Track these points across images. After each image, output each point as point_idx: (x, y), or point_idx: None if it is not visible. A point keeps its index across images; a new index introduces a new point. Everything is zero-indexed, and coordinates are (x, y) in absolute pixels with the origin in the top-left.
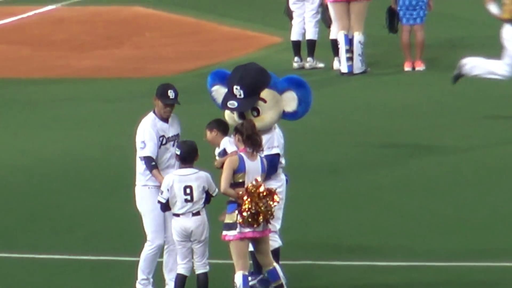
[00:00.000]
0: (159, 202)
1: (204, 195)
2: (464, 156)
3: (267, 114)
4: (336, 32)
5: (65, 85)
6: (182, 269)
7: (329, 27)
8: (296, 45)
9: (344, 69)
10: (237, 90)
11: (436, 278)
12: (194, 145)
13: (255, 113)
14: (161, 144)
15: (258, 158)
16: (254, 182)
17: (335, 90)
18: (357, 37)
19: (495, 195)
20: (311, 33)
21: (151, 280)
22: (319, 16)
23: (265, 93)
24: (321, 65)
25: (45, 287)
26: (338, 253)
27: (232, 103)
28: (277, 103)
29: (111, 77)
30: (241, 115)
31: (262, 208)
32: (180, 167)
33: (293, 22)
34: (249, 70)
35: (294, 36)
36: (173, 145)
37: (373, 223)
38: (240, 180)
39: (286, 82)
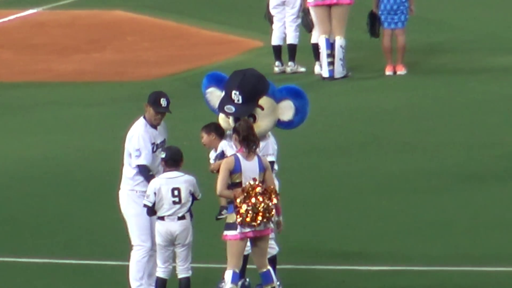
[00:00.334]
0: (145, 206)
1: (190, 198)
2: (445, 161)
3: (263, 121)
4: (317, 36)
5: (47, 89)
6: (162, 272)
7: (310, 31)
8: (277, 49)
9: (325, 73)
10: (236, 96)
11: (417, 283)
12: (179, 150)
13: (251, 120)
14: (152, 151)
15: (256, 158)
16: (251, 182)
17: (316, 94)
18: (339, 41)
19: (476, 200)
20: (292, 38)
21: (144, 283)
22: (299, 20)
23: (263, 101)
24: (302, 69)
25: None
26: (318, 257)
27: (230, 108)
28: (273, 111)
29: (93, 81)
30: (237, 120)
31: (260, 208)
32: (165, 171)
33: (273, 26)
34: (249, 76)
35: (275, 40)
36: (160, 151)
37: (354, 228)
38: (237, 181)
39: (285, 91)
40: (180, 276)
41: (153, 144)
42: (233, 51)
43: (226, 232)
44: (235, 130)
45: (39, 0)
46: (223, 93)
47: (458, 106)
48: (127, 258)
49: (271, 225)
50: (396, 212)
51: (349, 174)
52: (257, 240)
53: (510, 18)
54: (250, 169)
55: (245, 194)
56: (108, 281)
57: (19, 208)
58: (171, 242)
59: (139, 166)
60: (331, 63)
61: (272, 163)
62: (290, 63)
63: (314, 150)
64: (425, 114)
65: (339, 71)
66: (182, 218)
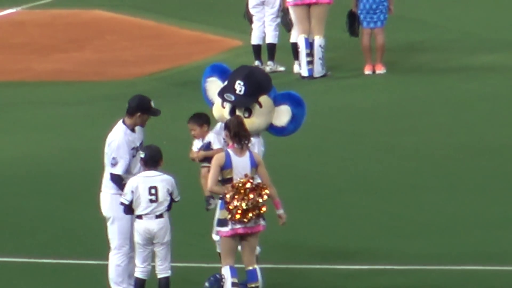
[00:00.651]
0: (121, 203)
1: (168, 198)
2: (424, 160)
3: (258, 118)
4: (297, 36)
5: (26, 89)
6: (140, 273)
7: (289, 31)
8: (257, 49)
9: (305, 72)
10: (239, 86)
11: (396, 282)
12: (158, 150)
13: (247, 114)
14: (133, 156)
15: (247, 153)
16: (242, 178)
17: None
18: (318, 40)
19: (455, 198)
20: (271, 37)
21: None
22: (278, 20)
23: (263, 99)
24: (281, 68)
25: None
26: (298, 257)
27: (229, 96)
28: (270, 112)
29: (72, 81)
30: (232, 112)
31: (250, 204)
32: (144, 170)
33: (253, 26)
34: (256, 71)
35: (255, 40)
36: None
37: (333, 227)
38: (228, 176)
39: (286, 96)
40: (159, 276)
41: (133, 148)
42: (212, 50)
43: (219, 228)
44: (226, 126)
45: None
46: (226, 83)
47: (437, 105)
48: (107, 257)
49: (262, 221)
50: (375, 211)
51: (328, 173)
52: (248, 236)
53: (490, 17)
54: (241, 165)
55: (235, 190)
56: (88, 280)
57: None
58: (150, 240)
59: (112, 175)
60: (310, 62)
61: None
62: (269, 63)
63: (293, 149)
64: (404, 113)
65: (318, 70)
66: (160, 216)
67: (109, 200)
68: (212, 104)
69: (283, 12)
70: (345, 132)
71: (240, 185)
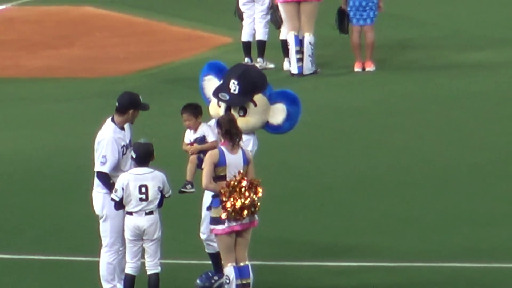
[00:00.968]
0: (112, 200)
1: (159, 195)
2: (413, 157)
3: (253, 117)
4: (286, 33)
5: (15, 85)
6: (130, 268)
7: (279, 28)
8: (247, 45)
9: (294, 70)
10: (234, 85)
11: (386, 279)
12: (150, 147)
13: (242, 113)
14: (123, 154)
15: (240, 151)
16: (236, 176)
17: None
18: (307, 38)
19: (445, 195)
20: (261, 34)
21: (116, 284)
22: (268, 17)
23: (258, 97)
24: (271, 65)
25: None
26: (287, 253)
27: (224, 95)
28: (265, 111)
29: (61, 77)
30: (227, 111)
31: (246, 202)
32: (135, 167)
33: (243, 23)
34: (251, 70)
35: (245, 36)
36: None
37: (323, 224)
38: (222, 174)
39: (282, 95)
40: (149, 272)
41: (123, 146)
42: (202, 47)
43: (213, 226)
44: (218, 123)
45: None
46: (221, 82)
47: (427, 102)
48: (96, 254)
49: (256, 217)
50: (365, 208)
51: (318, 170)
52: (243, 232)
53: (479, 15)
54: (234, 162)
55: (231, 188)
56: (77, 277)
57: None
58: (140, 236)
59: (101, 173)
60: (300, 60)
61: None
62: (259, 60)
63: (283, 146)
64: (393, 110)
65: (308, 68)
66: (149, 213)
67: (101, 199)
68: (210, 101)
69: (273, 9)
70: (334, 129)
71: (236, 183)
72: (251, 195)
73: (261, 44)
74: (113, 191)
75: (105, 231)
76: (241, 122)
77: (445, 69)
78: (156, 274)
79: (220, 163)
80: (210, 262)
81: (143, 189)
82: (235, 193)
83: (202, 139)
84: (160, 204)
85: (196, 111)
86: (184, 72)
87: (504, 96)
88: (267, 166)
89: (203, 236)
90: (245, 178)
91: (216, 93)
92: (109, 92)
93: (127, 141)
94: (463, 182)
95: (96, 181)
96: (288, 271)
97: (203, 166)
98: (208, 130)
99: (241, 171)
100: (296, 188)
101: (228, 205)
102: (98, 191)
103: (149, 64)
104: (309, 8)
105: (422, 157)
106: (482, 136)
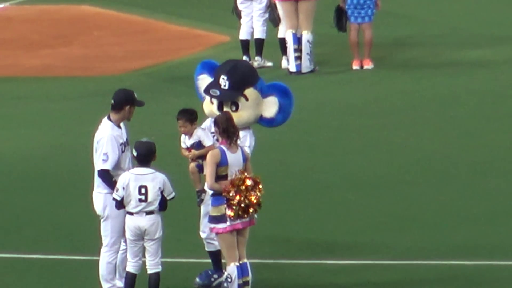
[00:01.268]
0: (113, 199)
1: (159, 197)
2: (412, 155)
3: (245, 112)
4: (285, 31)
5: (13, 84)
6: (131, 267)
7: (277, 26)
8: (245, 44)
9: (293, 68)
10: (223, 80)
11: (384, 277)
12: (152, 146)
13: (234, 108)
14: (122, 151)
15: (239, 149)
16: (238, 175)
17: None
18: (306, 36)
19: (443, 193)
20: (259, 32)
21: (116, 283)
22: (266, 15)
23: (249, 92)
24: (269, 64)
25: None
26: (285, 251)
27: (215, 91)
28: (257, 105)
29: (59, 76)
30: (220, 107)
31: (253, 199)
32: (136, 166)
33: (241, 21)
34: (240, 65)
35: (243, 35)
36: (128, 148)
37: (321, 222)
38: (223, 173)
39: (273, 87)
40: (149, 271)
41: (121, 144)
42: (200, 45)
43: (213, 225)
44: (215, 123)
45: None
46: (212, 79)
47: (425, 100)
48: (95, 253)
49: (255, 215)
50: (363, 206)
51: (316, 168)
52: (243, 230)
53: (477, 12)
54: (235, 161)
55: (236, 187)
56: (77, 276)
57: None
58: (140, 236)
59: (103, 171)
60: (298, 58)
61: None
62: (257, 58)
63: (281, 145)
64: (392, 108)
65: (306, 66)
66: (150, 213)
67: (103, 200)
68: (204, 93)
69: (271, 7)
70: (332, 127)
71: (240, 182)
72: (256, 192)
73: (259, 43)
74: (114, 191)
75: (106, 230)
76: (234, 117)
77: (443, 67)
78: (157, 274)
79: (222, 163)
80: (209, 260)
81: (143, 190)
82: (240, 192)
83: (198, 144)
84: (162, 208)
85: (192, 117)
86: (182, 70)
87: (502, 94)
88: (265, 165)
89: (203, 235)
90: (248, 177)
91: (207, 89)
92: (107, 91)
93: (125, 139)
94: (461, 180)
95: (97, 181)
96: (286, 269)
97: (205, 168)
98: (203, 135)
99: (241, 169)
100: (294, 186)
101: (234, 203)
102: (99, 192)
103: (147, 63)
104: (307, 6)
105: (421, 155)
106: (480, 134)
